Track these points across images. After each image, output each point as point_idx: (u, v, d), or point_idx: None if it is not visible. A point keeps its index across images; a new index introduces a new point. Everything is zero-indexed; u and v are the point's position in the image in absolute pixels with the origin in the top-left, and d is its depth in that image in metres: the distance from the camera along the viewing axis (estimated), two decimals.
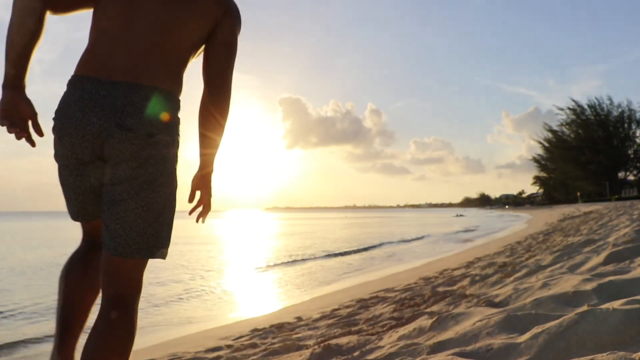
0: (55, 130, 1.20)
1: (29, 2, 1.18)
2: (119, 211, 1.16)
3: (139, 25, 1.20)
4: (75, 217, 1.33)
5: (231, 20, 1.31)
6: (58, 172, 1.25)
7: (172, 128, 1.20)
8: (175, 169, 1.24)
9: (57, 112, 1.19)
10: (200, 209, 1.39)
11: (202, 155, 1.34)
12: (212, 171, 1.35)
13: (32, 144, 1.27)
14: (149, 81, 1.16)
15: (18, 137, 1.22)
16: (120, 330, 1.19)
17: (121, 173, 1.14)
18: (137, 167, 1.14)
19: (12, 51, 1.17)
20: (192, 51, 1.29)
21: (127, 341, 1.21)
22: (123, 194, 1.15)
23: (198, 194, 1.37)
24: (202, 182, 1.36)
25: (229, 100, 1.29)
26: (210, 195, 1.38)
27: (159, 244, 1.24)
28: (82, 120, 1.13)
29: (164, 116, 1.17)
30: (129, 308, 1.21)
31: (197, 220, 1.39)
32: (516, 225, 25.33)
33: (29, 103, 1.23)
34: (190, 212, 1.38)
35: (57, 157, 1.23)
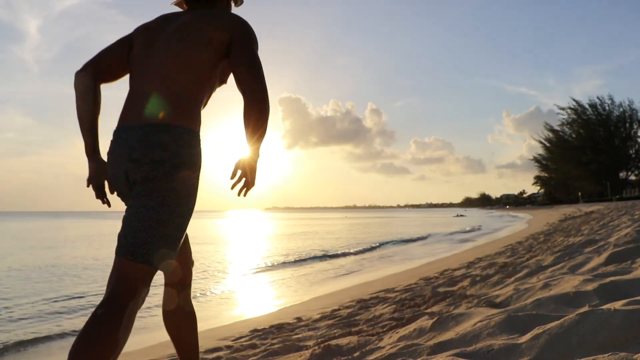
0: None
1: (84, 83, 1.48)
2: (125, 215, 1.36)
3: (148, 75, 1.42)
4: None
5: (238, 42, 1.43)
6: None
7: (179, 157, 1.34)
8: (183, 191, 1.36)
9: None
10: (241, 184, 1.40)
11: (249, 134, 1.41)
12: (258, 158, 1.42)
13: (108, 205, 1.60)
14: (155, 120, 1.36)
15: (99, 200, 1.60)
16: (103, 327, 1.18)
17: (136, 189, 1.36)
18: (146, 186, 1.34)
19: (83, 125, 1.52)
20: (204, 84, 1.45)
21: (107, 340, 1.17)
22: (132, 200, 1.36)
23: (239, 172, 1.39)
24: (249, 163, 1.39)
25: (262, 101, 1.39)
26: (254, 174, 1.41)
27: (147, 252, 1.30)
28: (112, 160, 1.41)
29: (168, 147, 1.34)
30: (118, 308, 1.24)
31: (238, 194, 1.42)
32: (516, 225, 25.30)
33: (103, 171, 1.55)
34: (232, 187, 1.41)
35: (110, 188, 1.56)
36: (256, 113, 1.37)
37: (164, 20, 1.53)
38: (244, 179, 1.38)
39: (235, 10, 1.71)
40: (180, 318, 1.64)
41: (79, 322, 5.43)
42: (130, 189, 1.37)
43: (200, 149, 1.42)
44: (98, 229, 32.10)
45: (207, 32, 1.42)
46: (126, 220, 1.33)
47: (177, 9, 1.67)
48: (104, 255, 13.50)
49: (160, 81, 1.40)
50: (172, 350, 3.64)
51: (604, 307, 1.55)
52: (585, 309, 1.54)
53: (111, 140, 1.43)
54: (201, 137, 1.44)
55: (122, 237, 1.32)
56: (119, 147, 1.38)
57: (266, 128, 1.41)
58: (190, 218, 1.42)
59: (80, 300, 6.68)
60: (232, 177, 1.38)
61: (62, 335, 4.88)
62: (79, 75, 1.49)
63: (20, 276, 9.14)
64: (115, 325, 1.20)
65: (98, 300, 6.76)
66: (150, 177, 1.32)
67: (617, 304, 1.59)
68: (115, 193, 1.49)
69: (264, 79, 1.41)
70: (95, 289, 7.57)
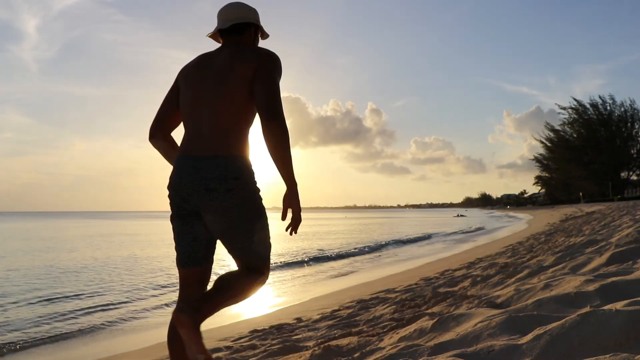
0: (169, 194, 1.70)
1: (161, 146, 1.81)
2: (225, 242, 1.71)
3: (201, 114, 1.65)
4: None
5: (262, 68, 1.63)
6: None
7: (230, 177, 1.57)
8: (243, 201, 1.60)
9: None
10: (289, 221, 1.66)
11: (279, 170, 1.63)
12: (293, 186, 1.62)
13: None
14: (206, 152, 1.60)
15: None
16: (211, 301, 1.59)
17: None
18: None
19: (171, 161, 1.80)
20: (248, 115, 1.66)
21: (244, 288, 1.66)
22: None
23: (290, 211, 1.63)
24: (289, 198, 1.62)
25: (280, 126, 1.57)
26: (298, 210, 1.64)
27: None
28: (176, 184, 1.63)
29: (219, 176, 1.57)
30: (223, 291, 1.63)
31: (290, 234, 1.67)
32: (515, 226, 25.27)
33: None
34: (286, 229, 1.66)
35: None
36: (272, 132, 1.57)
37: (204, 61, 1.74)
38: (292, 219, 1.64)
39: (262, 42, 1.86)
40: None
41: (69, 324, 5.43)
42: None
43: (251, 169, 1.65)
44: (98, 229, 32.11)
45: (240, 70, 1.63)
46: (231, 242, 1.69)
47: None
48: (102, 255, 13.50)
49: (212, 119, 1.63)
50: None
51: (606, 307, 1.54)
52: (587, 309, 1.53)
53: (175, 168, 1.66)
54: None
55: (232, 247, 1.70)
56: (188, 174, 1.60)
57: (288, 155, 1.59)
58: None
59: (74, 300, 6.69)
60: (283, 219, 1.63)
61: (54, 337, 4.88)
62: (153, 142, 1.81)
63: (17, 276, 9.14)
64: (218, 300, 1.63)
65: (94, 300, 6.70)
66: (207, 198, 1.62)
67: (619, 305, 1.58)
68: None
69: (277, 100, 1.60)
70: (91, 289, 7.57)
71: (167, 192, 1.67)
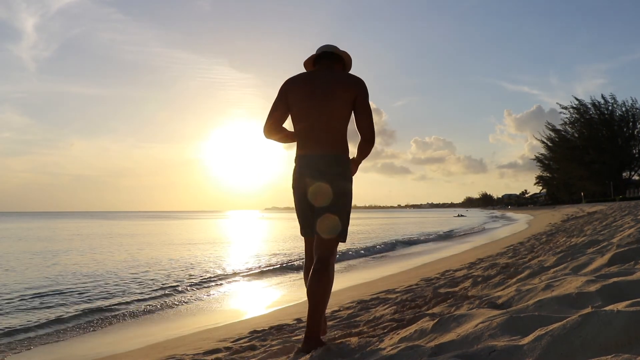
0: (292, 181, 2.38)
1: (274, 139, 2.45)
2: (319, 215, 2.31)
3: (315, 123, 2.27)
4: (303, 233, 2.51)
5: (361, 96, 2.31)
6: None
7: (336, 167, 2.26)
8: (343, 185, 2.30)
9: (294, 169, 2.35)
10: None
11: (358, 157, 2.43)
12: (358, 165, 2.46)
13: None
14: (321, 151, 2.27)
15: None
16: (322, 275, 2.26)
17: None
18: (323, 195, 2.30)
19: (285, 143, 2.52)
20: (344, 123, 2.30)
21: (327, 279, 2.28)
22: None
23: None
24: (355, 165, 2.43)
25: (372, 141, 2.36)
26: (356, 169, 2.45)
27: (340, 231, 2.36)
28: (298, 176, 2.33)
29: (333, 169, 2.26)
30: (326, 263, 2.30)
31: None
32: (514, 227, 25.23)
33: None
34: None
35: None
36: (366, 149, 2.37)
37: (308, 79, 2.35)
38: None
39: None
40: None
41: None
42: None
43: (349, 165, 2.34)
44: (97, 230, 32.14)
45: (344, 94, 2.27)
46: (326, 216, 2.29)
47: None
48: (101, 255, 13.51)
49: (325, 128, 2.27)
50: (170, 351, 3.63)
51: (607, 308, 1.53)
52: (588, 310, 1.52)
53: (297, 162, 2.33)
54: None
55: (325, 219, 2.28)
56: (302, 167, 2.29)
57: (364, 157, 2.42)
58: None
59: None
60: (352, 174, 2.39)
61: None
62: (267, 137, 2.43)
63: (15, 276, 9.15)
64: (327, 271, 2.27)
65: (93, 299, 6.67)
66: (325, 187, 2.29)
67: (621, 305, 1.57)
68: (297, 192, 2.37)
69: (373, 126, 2.34)
70: (91, 289, 7.57)
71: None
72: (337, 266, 10.29)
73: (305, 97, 2.28)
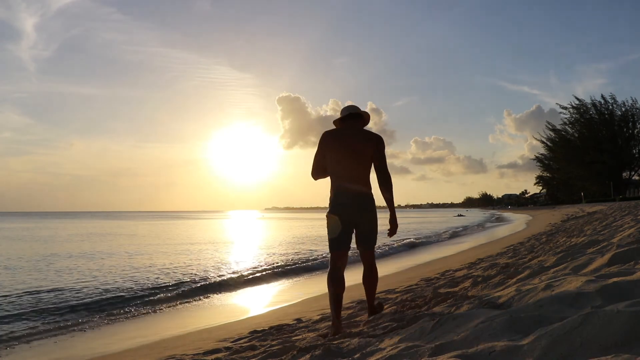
0: (334, 209, 3.04)
1: (319, 179, 3.25)
2: (363, 237, 3.13)
3: (342, 166, 3.02)
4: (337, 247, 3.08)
5: (379, 146, 3.09)
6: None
7: (371, 204, 3.10)
8: (376, 215, 3.12)
9: (333, 200, 3.06)
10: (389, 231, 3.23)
11: (388, 204, 3.21)
12: (394, 213, 3.19)
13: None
14: (362, 193, 3.05)
15: None
16: (374, 270, 3.24)
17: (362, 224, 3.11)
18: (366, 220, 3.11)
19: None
20: (368, 167, 3.08)
21: (376, 273, 3.26)
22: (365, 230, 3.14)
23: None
24: (393, 219, 3.19)
25: (389, 179, 3.14)
26: (395, 225, 3.19)
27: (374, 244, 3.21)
28: (342, 207, 3.02)
29: (372, 207, 3.10)
30: (373, 264, 3.24)
31: (389, 236, 3.22)
32: (513, 227, 25.22)
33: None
34: (389, 235, 3.21)
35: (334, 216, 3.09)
36: (388, 184, 3.14)
37: (338, 135, 3.10)
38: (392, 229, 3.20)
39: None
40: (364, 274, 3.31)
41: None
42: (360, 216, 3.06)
43: (374, 200, 3.13)
44: (97, 230, 32.14)
45: (366, 147, 3.04)
46: (367, 236, 3.10)
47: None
48: (101, 255, 13.51)
49: (355, 171, 3.03)
50: (170, 352, 3.62)
51: (607, 308, 1.53)
52: (589, 310, 1.52)
53: (336, 194, 3.05)
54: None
55: (372, 241, 3.15)
56: (342, 201, 3.02)
57: (392, 197, 3.15)
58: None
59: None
60: (390, 235, 3.20)
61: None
62: (315, 179, 3.23)
63: (13, 276, 9.14)
64: (375, 269, 3.23)
65: (92, 299, 6.66)
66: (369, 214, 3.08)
67: (621, 305, 1.57)
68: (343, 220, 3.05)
69: (388, 172, 3.14)
70: (90, 288, 7.57)
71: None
72: None
73: (337, 148, 3.05)
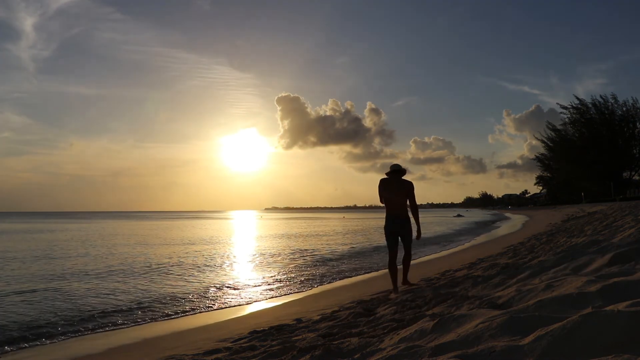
0: (389, 227, 5.55)
1: (382, 204, 5.70)
2: (404, 240, 5.65)
3: (392, 201, 5.45)
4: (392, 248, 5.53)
5: (411, 190, 5.54)
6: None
7: (408, 222, 5.55)
8: (411, 229, 5.57)
9: (388, 221, 5.55)
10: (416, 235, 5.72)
11: (417, 224, 5.69)
12: (420, 227, 5.81)
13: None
14: (403, 216, 5.52)
15: None
16: (409, 257, 5.68)
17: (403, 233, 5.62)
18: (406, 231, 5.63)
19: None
20: (405, 200, 5.52)
21: (410, 260, 5.73)
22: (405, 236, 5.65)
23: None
24: (419, 231, 5.82)
25: (416, 207, 5.67)
26: (420, 233, 5.83)
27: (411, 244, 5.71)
28: (393, 225, 5.52)
29: (405, 222, 5.55)
30: (410, 253, 5.67)
31: (417, 239, 5.81)
32: (510, 227, 25.20)
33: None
34: (416, 238, 5.77)
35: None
36: (415, 211, 5.61)
37: (389, 181, 5.43)
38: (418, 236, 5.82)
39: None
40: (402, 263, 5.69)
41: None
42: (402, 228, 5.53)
43: (410, 219, 5.55)
44: (97, 229, 32.13)
45: (405, 191, 5.45)
46: (406, 240, 5.55)
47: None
48: (99, 254, 13.50)
49: (399, 204, 5.43)
50: (169, 352, 3.62)
51: (608, 308, 1.53)
52: (589, 310, 1.52)
53: (389, 219, 5.47)
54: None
55: (408, 243, 5.58)
56: (393, 224, 5.45)
57: (418, 215, 5.62)
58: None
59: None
60: (418, 238, 5.82)
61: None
62: (382, 203, 5.50)
63: (12, 275, 9.14)
64: (410, 256, 5.68)
65: (92, 298, 6.64)
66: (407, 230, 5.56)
67: (621, 306, 1.56)
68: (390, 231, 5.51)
69: (416, 204, 5.65)
70: (90, 288, 7.56)
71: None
72: (338, 267, 10.35)
73: (389, 190, 5.36)
